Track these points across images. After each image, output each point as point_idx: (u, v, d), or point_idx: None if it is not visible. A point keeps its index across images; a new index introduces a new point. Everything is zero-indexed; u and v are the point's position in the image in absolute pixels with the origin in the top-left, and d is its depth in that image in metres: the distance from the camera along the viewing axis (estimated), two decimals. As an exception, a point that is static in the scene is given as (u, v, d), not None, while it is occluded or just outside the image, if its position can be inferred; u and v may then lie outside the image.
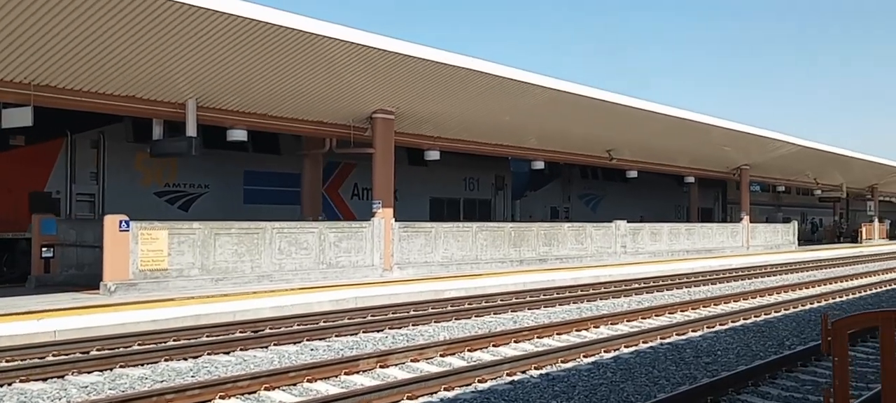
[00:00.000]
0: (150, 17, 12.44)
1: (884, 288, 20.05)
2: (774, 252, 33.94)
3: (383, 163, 18.42)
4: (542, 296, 17.00)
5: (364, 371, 8.69)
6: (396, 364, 9.08)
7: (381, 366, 8.91)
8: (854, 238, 48.72)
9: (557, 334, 11.74)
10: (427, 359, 9.47)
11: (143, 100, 15.07)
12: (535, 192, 34.39)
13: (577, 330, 12.17)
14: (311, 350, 10.27)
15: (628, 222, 27.61)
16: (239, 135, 16.92)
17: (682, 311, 14.79)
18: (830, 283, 21.17)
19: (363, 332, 11.73)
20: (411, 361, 9.27)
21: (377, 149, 18.36)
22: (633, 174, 30.92)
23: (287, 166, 22.41)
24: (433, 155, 21.22)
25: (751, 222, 35.51)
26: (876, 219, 50.57)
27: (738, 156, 32.90)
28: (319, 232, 16.92)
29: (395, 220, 18.76)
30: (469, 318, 13.58)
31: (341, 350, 10.26)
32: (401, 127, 19.34)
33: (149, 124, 15.97)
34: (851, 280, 22.40)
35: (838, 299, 17.29)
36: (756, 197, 49.06)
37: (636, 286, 19.36)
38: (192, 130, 15.48)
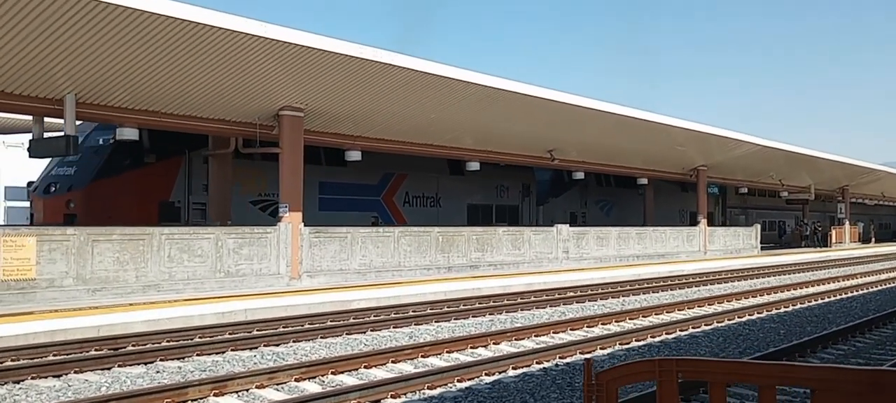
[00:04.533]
0: (17, 5, 11.76)
1: (825, 299, 19.85)
2: (733, 257, 33.81)
3: (291, 164, 17.81)
4: (461, 307, 16.56)
5: (193, 401, 8.10)
6: (235, 392, 8.50)
7: (215, 394, 8.33)
8: (824, 241, 48.92)
9: (447, 352, 11.24)
10: (277, 384, 8.91)
11: (15, 97, 14.32)
12: (556, 199, 37.66)
13: (472, 348, 11.68)
14: (158, 372, 9.66)
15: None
16: (130, 133, 16.22)
17: (603, 324, 14.38)
18: (778, 292, 20.93)
19: (232, 349, 11.15)
20: (256, 388, 8.70)
21: (284, 149, 17.74)
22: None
23: (357, 178, 26.81)
24: (354, 155, 20.65)
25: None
26: (847, 222, 50.83)
27: (696, 156, 32.72)
28: (216, 238, 16.25)
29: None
30: (363, 333, 13.06)
31: (192, 372, 9.67)
32: (313, 125, 18.74)
33: (252, 142, 18.45)
34: (800, 288, 22.19)
35: (775, 311, 17.01)
36: (753, 200, 49.48)
37: (567, 295, 18.97)
38: (71, 128, 14.77)
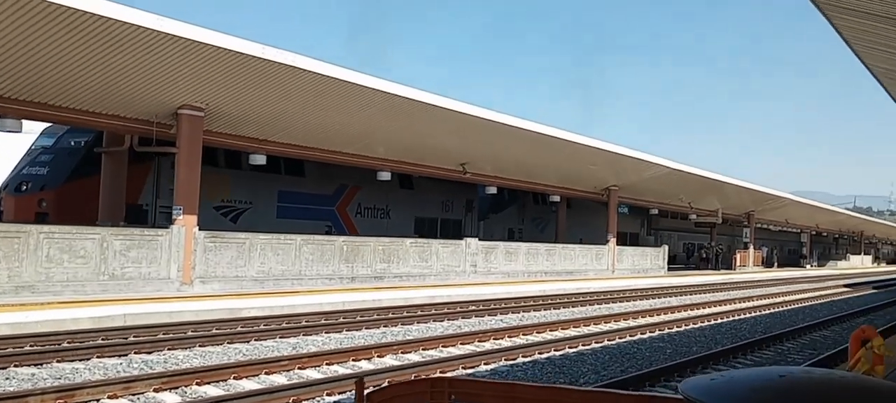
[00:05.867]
0: None
1: (718, 321, 20.39)
2: (640, 276, 34.54)
3: (188, 165, 17.18)
4: (358, 318, 16.26)
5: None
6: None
7: (59, 403, 7.80)
8: (729, 264, 50.59)
9: (327, 364, 10.93)
10: (132, 395, 8.44)
11: None
12: (496, 215, 39.20)
13: (354, 360, 11.41)
14: (7, 379, 9.04)
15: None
16: (11, 124, 15.30)
17: (495, 339, 14.30)
18: (675, 312, 21.38)
19: (98, 356, 10.57)
20: (108, 398, 8.21)
21: (181, 149, 17.10)
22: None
23: (314, 188, 28.07)
24: (259, 159, 20.09)
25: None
26: (751, 246, 52.71)
27: (608, 175, 33.31)
28: (101, 239, 15.48)
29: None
30: (246, 343, 12.63)
31: (46, 379, 9.09)
32: (215, 126, 18.16)
33: (214, 149, 19.28)
34: (697, 309, 22.73)
35: (668, 331, 17.32)
36: (676, 223, 51.33)
37: (468, 308, 18.90)
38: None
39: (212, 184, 23.59)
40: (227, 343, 12.41)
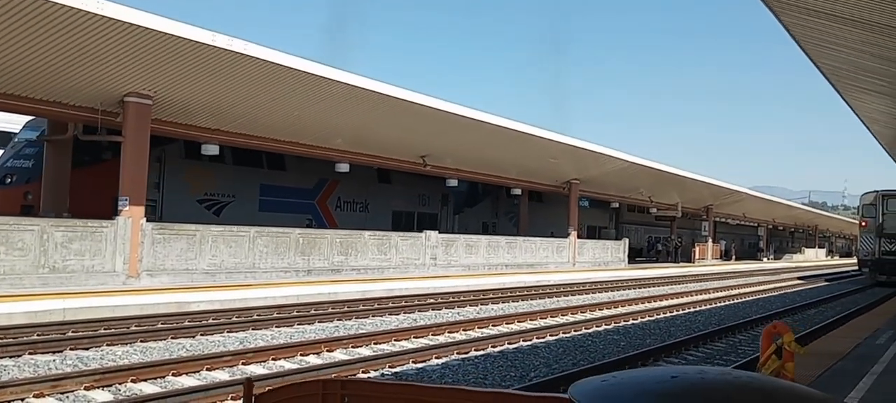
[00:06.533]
0: None
1: (674, 313, 20.46)
2: (600, 269, 34.66)
3: (134, 154, 16.63)
4: (312, 311, 15.97)
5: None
6: (7, 402, 7.58)
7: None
8: (688, 257, 51.14)
9: (273, 359, 10.62)
10: (61, 393, 8.06)
11: None
12: (470, 209, 40.15)
13: (302, 356, 11.12)
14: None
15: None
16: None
17: (450, 332, 14.10)
18: (633, 304, 21.40)
19: (30, 353, 10.18)
20: (34, 397, 7.82)
21: (127, 138, 16.55)
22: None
23: (295, 182, 28.58)
24: (212, 149, 19.61)
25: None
26: (710, 240, 53.38)
27: (569, 169, 33.32)
28: (41, 230, 14.91)
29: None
30: (192, 338, 12.27)
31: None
32: (164, 115, 17.65)
33: (197, 144, 20.04)
34: (655, 301, 22.81)
35: (624, 323, 17.30)
36: (642, 217, 52.08)
37: (426, 301, 18.71)
38: None
39: (196, 177, 24.69)
40: (172, 338, 12.02)
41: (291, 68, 17.24)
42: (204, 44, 15.41)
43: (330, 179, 29.98)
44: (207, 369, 9.62)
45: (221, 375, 9.48)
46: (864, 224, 33.20)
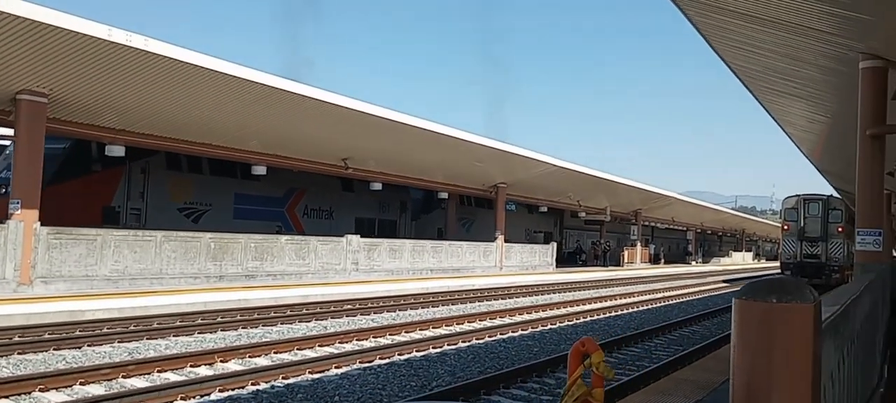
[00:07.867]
0: None
1: (594, 317, 20.50)
2: (528, 273, 34.75)
3: (28, 154, 15.76)
4: (218, 319, 15.38)
5: None
6: None
7: None
8: (617, 260, 51.88)
9: (158, 371, 10.07)
10: None
11: None
12: (426, 215, 41.98)
13: (191, 366, 10.57)
14: None
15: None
16: None
17: (358, 339, 13.70)
18: (554, 309, 21.38)
19: None
20: None
21: (20, 137, 15.67)
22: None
23: (266, 191, 29.96)
24: (117, 150, 18.76)
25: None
26: (639, 244, 54.27)
27: (495, 173, 33.30)
28: (-81, 236, 13.94)
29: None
30: (78, 349, 11.61)
31: None
32: (63, 114, 16.79)
33: (178, 156, 21.76)
34: (577, 305, 22.86)
35: (541, 328, 17.21)
36: (579, 222, 53.01)
37: (343, 308, 18.27)
38: None
39: (176, 186, 26.42)
40: (54, 349, 11.32)
41: (199, 66, 16.61)
42: (101, 39, 14.69)
43: (298, 189, 31.68)
44: (80, 383, 9.03)
45: (96, 390, 8.92)
46: (786, 227, 34.06)
